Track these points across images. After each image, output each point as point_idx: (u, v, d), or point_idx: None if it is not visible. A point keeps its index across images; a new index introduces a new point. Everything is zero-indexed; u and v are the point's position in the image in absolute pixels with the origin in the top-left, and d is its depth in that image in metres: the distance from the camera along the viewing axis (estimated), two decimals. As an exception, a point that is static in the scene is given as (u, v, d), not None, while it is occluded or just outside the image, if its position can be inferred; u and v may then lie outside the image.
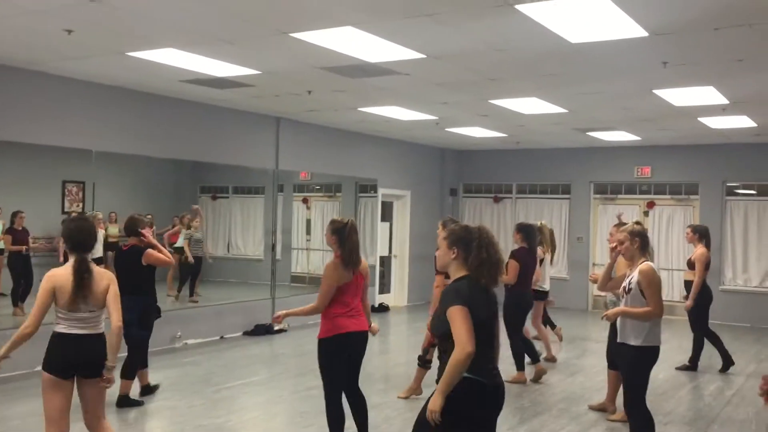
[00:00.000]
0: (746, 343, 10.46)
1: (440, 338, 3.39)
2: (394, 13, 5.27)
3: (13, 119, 7.53)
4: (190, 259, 10.19)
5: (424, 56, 6.56)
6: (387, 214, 13.68)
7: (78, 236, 4.10)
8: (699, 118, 9.86)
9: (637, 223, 5.02)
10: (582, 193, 13.99)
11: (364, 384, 5.14)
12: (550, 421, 6.26)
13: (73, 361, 4.02)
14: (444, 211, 14.89)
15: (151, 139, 9.00)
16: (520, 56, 6.58)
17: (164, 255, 6.36)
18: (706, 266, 8.28)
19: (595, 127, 11.15)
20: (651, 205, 13.44)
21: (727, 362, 8.45)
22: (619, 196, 13.79)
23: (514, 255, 7.52)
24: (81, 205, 8.84)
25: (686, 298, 8.46)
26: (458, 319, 3.21)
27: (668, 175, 13.25)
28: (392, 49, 6.31)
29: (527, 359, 7.60)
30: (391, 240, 13.72)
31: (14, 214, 8.24)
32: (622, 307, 4.89)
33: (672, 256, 13.22)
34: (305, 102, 9.31)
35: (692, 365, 8.49)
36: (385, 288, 13.64)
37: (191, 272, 10.40)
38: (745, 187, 12.85)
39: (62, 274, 4.01)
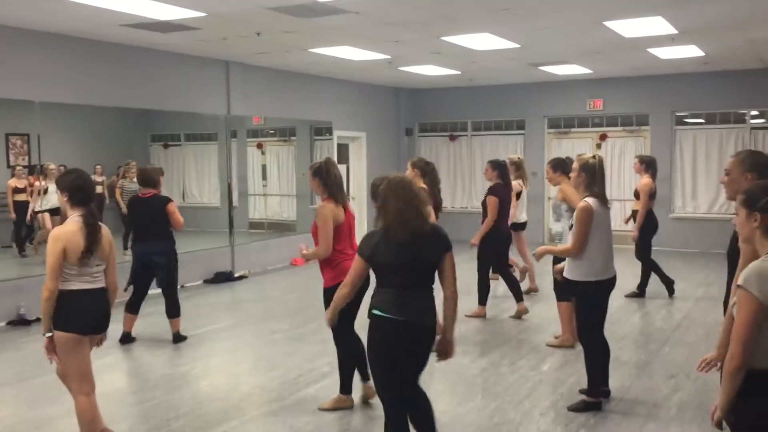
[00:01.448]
0: (695, 268, 10.84)
1: None
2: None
3: (-52, 71, 7.21)
4: (123, 209, 9.94)
5: (373, -7, 6.43)
6: (343, 157, 13.60)
7: (86, 188, 4.01)
8: (648, 49, 9.94)
9: (594, 157, 4.93)
10: (536, 128, 14.09)
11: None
12: (510, 352, 6.44)
13: (95, 316, 3.98)
14: (401, 151, 14.87)
15: (96, 88, 8.70)
16: (470, -9, 6.49)
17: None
18: (651, 196, 8.49)
19: (548, 62, 11.17)
20: (603, 137, 13.63)
21: (670, 286, 8.71)
22: (573, 129, 13.94)
23: (492, 191, 7.59)
24: (26, 158, 8.59)
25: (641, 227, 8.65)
26: (352, 267, 3.74)
27: (619, 107, 13.41)
28: (341, -13, 6.16)
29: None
30: (348, 182, 13.68)
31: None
32: (546, 246, 4.98)
33: (624, 188, 13.48)
34: (254, 44, 9.08)
35: (640, 292, 8.77)
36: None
37: (126, 224, 10.08)
38: (693, 117, 13.10)
39: (70, 231, 3.87)
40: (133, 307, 6.82)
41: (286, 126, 12.75)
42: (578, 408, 4.93)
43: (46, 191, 8.61)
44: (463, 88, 14.30)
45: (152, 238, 6.66)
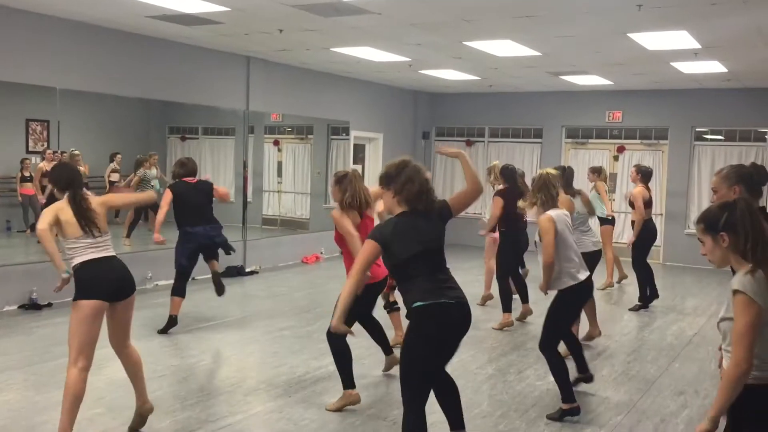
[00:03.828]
0: (709, 285, 10.74)
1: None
2: (367, -52, 5.13)
3: (-28, 54, 7.28)
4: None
5: (397, -5, 6.43)
6: (359, 157, 13.60)
7: (66, 176, 4.23)
8: (671, 63, 9.88)
9: (558, 168, 5.13)
10: (554, 137, 14.03)
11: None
12: (517, 360, 6.41)
13: (117, 281, 4.16)
14: (416, 154, 14.85)
15: (118, 78, 8.76)
16: (495, -4, 6.48)
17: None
18: (646, 204, 8.52)
19: (569, 71, 11.12)
20: (621, 149, 13.55)
21: (650, 298, 8.74)
22: (590, 140, 13.87)
23: (497, 193, 7.66)
24: (45, 144, 8.66)
25: (638, 237, 8.67)
26: (363, 250, 3.60)
27: (639, 120, 13.33)
28: (365, -13, 6.17)
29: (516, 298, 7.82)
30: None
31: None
32: (542, 280, 5.07)
33: (640, 201, 13.42)
34: (276, 41, 9.11)
35: (643, 303, 8.71)
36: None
37: (136, 211, 10.13)
38: (713, 133, 13.00)
39: (59, 206, 4.13)
40: (180, 290, 6.97)
41: (304, 124, 12.77)
42: (555, 417, 4.94)
43: None
44: (482, 93, 14.27)
45: (204, 223, 6.95)
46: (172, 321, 6.92)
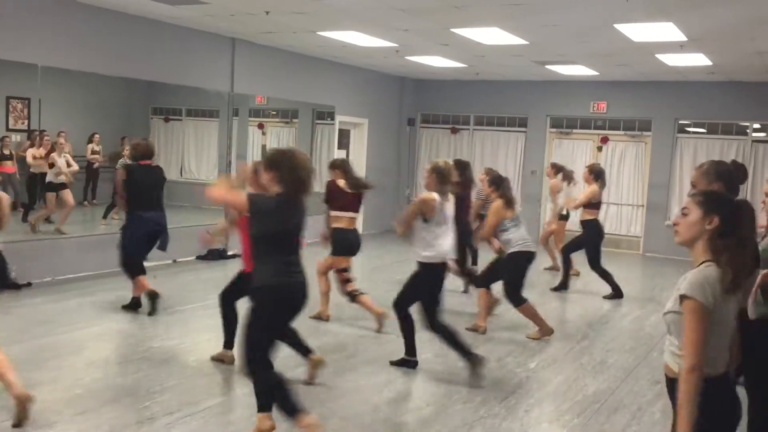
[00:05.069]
0: (687, 276, 10.85)
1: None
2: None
3: (-48, 29, 7.15)
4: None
5: (386, -21, 6.39)
6: (344, 142, 13.56)
7: None
8: (656, 55, 9.92)
9: (456, 161, 5.76)
10: (538, 126, 14.07)
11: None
12: (496, 348, 6.45)
13: None
14: (401, 140, 14.84)
15: (101, 56, 8.64)
16: (483, -17, 6.46)
17: None
18: (595, 205, 8.80)
19: (555, 61, 11.14)
20: (605, 140, 13.62)
21: (564, 284, 9.09)
22: (575, 130, 13.93)
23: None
24: (26, 122, 8.54)
25: (584, 235, 9.00)
26: (235, 195, 3.99)
27: (623, 111, 13.40)
28: (354, -30, 6.12)
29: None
30: (347, 168, 13.65)
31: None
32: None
33: (622, 192, 13.52)
34: (262, 23, 9.03)
35: (616, 293, 8.85)
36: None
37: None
38: (696, 125, 13.10)
39: None
40: (141, 270, 6.88)
41: (289, 108, 12.70)
42: (398, 363, 5.63)
43: (52, 165, 8.60)
44: (468, 81, 14.26)
45: (155, 209, 6.82)
46: (138, 302, 6.94)
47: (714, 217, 2.66)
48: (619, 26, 8.04)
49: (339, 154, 13.26)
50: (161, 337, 6.22)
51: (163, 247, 7.00)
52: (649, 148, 13.25)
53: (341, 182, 6.77)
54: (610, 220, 13.60)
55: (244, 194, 3.97)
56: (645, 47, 9.25)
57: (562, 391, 5.33)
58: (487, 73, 13.13)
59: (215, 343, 6.25)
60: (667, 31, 8.10)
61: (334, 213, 6.79)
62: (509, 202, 6.66)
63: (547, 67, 11.69)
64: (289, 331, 4.96)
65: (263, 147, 12.76)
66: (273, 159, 3.97)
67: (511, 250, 6.60)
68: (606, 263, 9.01)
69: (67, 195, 8.86)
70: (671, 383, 2.73)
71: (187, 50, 9.84)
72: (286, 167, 3.88)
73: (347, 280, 6.85)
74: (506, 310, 7.98)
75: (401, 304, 5.55)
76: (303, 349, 5.16)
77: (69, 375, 5.13)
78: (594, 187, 8.75)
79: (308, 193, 3.96)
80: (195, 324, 6.71)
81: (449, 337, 5.47)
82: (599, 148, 13.65)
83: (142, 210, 6.76)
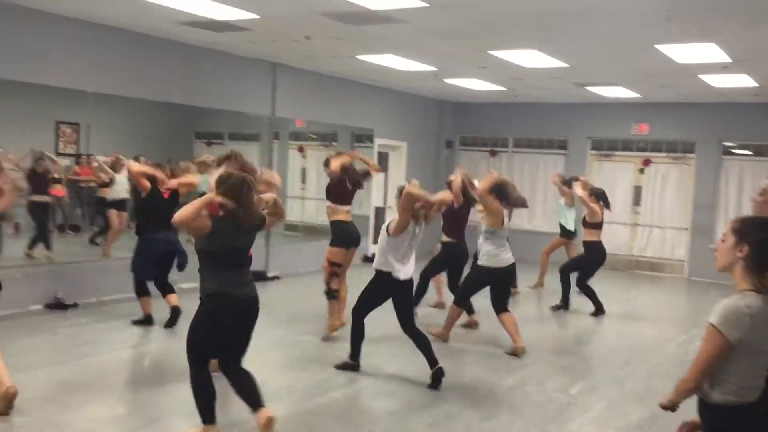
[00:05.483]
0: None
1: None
2: (396, -43, 5.15)
3: (7, 57, 7.41)
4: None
5: (426, 5, 6.45)
6: (383, 165, 13.61)
7: None
8: (700, 76, 9.78)
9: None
10: (579, 148, 13.95)
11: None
12: (538, 372, 6.36)
13: None
14: (440, 163, 14.85)
15: (146, 82, 8.88)
16: (522, 7, 6.48)
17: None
18: (597, 225, 8.79)
19: (595, 82, 11.07)
20: (647, 162, 13.44)
21: (565, 304, 9.06)
22: (616, 152, 13.77)
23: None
24: (76, 147, 8.78)
25: (584, 255, 9.02)
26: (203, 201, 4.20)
27: (665, 132, 13.21)
28: (393, -4, 6.20)
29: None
30: (386, 191, 13.71)
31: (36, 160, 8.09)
32: None
33: (665, 215, 13.29)
34: (303, 48, 9.17)
35: (599, 310, 8.90)
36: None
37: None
38: (741, 147, 12.84)
39: None
40: (146, 292, 7.19)
41: (328, 131, 12.82)
42: (341, 366, 5.94)
43: (111, 182, 8.81)
44: (507, 103, 14.24)
45: (170, 227, 6.82)
46: (149, 319, 7.19)
47: (744, 245, 2.68)
48: (660, 47, 7.96)
49: (377, 177, 13.32)
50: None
51: (180, 268, 7.16)
52: (692, 170, 13.02)
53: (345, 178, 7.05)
54: (653, 243, 13.40)
55: (208, 219, 4.15)
56: (687, 68, 9.14)
57: (604, 417, 5.22)
58: (526, 95, 13.10)
59: (253, 365, 6.28)
60: (710, 51, 8.00)
61: (333, 205, 7.03)
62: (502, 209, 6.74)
63: (587, 88, 11.62)
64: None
65: (303, 170, 12.89)
66: (220, 180, 4.29)
67: (481, 262, 6.78)
68: (649, 287, 8.86)
69: (122, 215, 9.06)
70: (701, 405, 2.78)
71: (229, 75, 10.05)
72: (231, 188, 4.17)
73: (335, 274, 7.03)
74: (547, 335, 7.88)
75: (359, 311, 5.89)
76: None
77: (112, 394, 5.21)
78: (595, 207, 8.78)
79: (254, 211, 4.29)
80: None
81: (420, 342, 5.76)
82: (641, 171, 13.48)
83: (153, 232, 6.94)
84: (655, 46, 7.92)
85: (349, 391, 5.52)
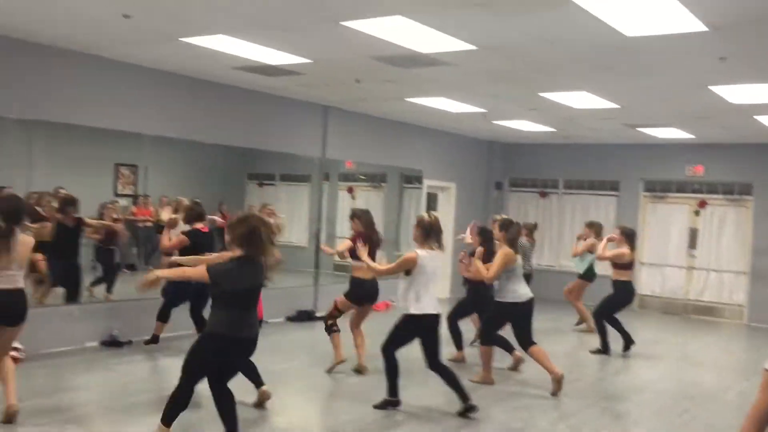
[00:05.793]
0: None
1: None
2: (446, 2, 5.24)
3: (68, 101, 7.73)
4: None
5: (474, 47, 6.52)
6: (431, 206, 13.64)
7: (10, 210, 4.96)
8: (755, 116, 9.59)
9: (429, 214, 5.99)
10: (631, 190, 13.74)
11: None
12: (591, 420, 6.19)
13: (7, 311, 4.92)
14: (489, 204, 14.80)
15: (201, 125, 9.14)
16: (573, 49, 6.50)
17: None
18: (627, 265, 8.76)
19: (647, 124, 10.94)
20: (702, 204, 13.14)
21: (605, 349, 8.96)
22: (670, 194, 13.51)
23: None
24: (133, 188, 9.04)
25: (613, 295, 8.94)
26: (195, 271, 4.58)
27: (721, 174, 12.92)
28: (443, 40, 6.28)
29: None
30: (435, 232, 13.66)
31: (103, 206, 8.40)
32: None
33: (723, 258, 12.92)
34: (354, 91, 9.33)
35: (604, 350, 8.90)
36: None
37: None
38: (802, 189, 12.46)
39: None
40: (165, 317, 7.69)
41: (377, 172, 12.94)
42: (379, 405, 5.93)
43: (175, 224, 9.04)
44: (557, 144, 14.17)
45: None
46: (155, 339, 7.74)
47: None
48: (714, 88, 7.85)
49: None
50: (248, 397, 6.27)
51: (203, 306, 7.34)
52: (750, 212, 12.67)
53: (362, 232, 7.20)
54: (710, 287, 13.01)
55: (203, 267, 4.39)
56: (743, 109, 8.97)
57: (661, 468, 5.03)
58: (577, 137, 13.02)
59: (301, 405, 6.28)
60: (765, 92, 7.85)
61: (355, 263, 7.19)
62: (515, 248, 6.85)
63: (640, 129, 11.49)
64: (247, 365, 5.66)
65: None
66: (232, 224, 4.55)
67: (499, 298, 6.86)
68: (706, 333, 8.59)
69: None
70: None
71: (282, 118, 10.27)
72: (243, 232, 4.41)
73: (335, 316, 7.28)
74: (598, 379, 7.68)
75: (387, 348, 5.97)
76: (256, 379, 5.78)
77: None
78: (624, 249, 8.74)
79: (265, 254, 4.47)
80: (281, 386, 6.76)
81: (448, 377, 5.85)
82: (697, 213, 13.17)
83: None
84: (709, 87, 7.81)
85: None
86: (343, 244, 7.52)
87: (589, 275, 10.39)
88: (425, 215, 5.99)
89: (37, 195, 7.89)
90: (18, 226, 4.96)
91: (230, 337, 4.44)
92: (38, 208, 7.68)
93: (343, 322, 7.34)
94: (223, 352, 4.51)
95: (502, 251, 6.76)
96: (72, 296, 7.99)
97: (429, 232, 5.82)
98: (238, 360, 4.71)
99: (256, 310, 4.62)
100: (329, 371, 7.18)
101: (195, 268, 4.59)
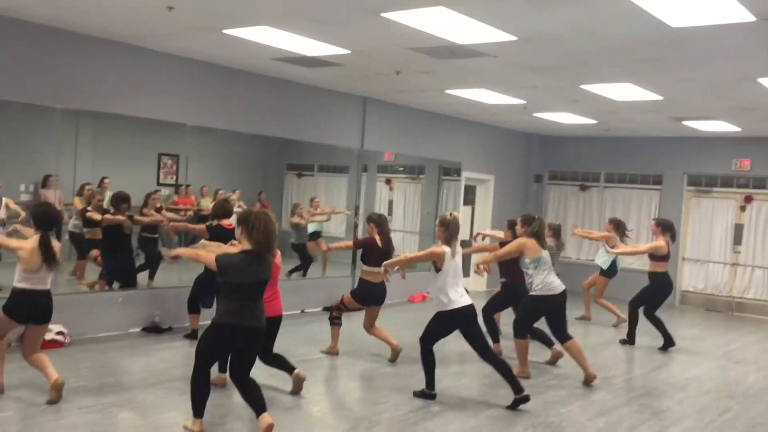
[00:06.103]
0: None
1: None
2: (487, -7, 5.20)
3: (113, 92, 7.88)
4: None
5: (515, 38, 6.45)
6: (469, 198, 13.58)
7: (48, 218, 5.26)
8: (806, 110, 9.33)
9: (450, 214, 6.13)
10: (674, 184, 13.47)
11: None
12: (629, 415, 6.12)
13: (32, 310, 5.20)
14: (528, 197, 14.68)
15: (241, 115, 9.24)
16: (616, 40, 6.39)
17: None
18: (663, 257, 8.74)
19: (692, 116, 10.71)
20: (748, 199, 12.83)
21: (631, 339, 9.06)
22: (715, 189, 13.22)
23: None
24: (175, 177, 9.19)
25: (649, 287, 8.93)
26: (206, 258, 4.74)
27: (768, 168, 12.60)
28: (483, 31, 6.23)
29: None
30: (473, 224, 13.63)
31: (148, 195, 8.48)
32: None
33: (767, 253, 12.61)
34: (393, 82, 9.33)
35: (668, 343, 8.87)
36: (465, 272, 13.54)
37: None
38: None
39: (31, 247, 5.12)
40: (196, 309, 7.67)
41: (415, 164, 12.92)
42: (418, 393, 6.08)
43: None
44: (598, 137, 13.96)
45: None
46: (194, 334, 7.60)
47: None
48: (762, 80, 7.65)
49: (464, 210, 13.29)
50: (285, 387, 6.32)
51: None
52: (799, 207, 12.33)
53: (376, 237, 7.35)
54: (755, 284, 12.71)
55: (213, 256, 4.62)
56: (792, 101, 8.73)
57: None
58: (619, 129, 12.81)
59: (337, 394, 6.32)
60: (817, 84, 7.63)
61: (366, 268, 7.38)
62: (541, 242, 6.76)
63: (684, 123, 11.25)
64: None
65: (390, 202, 13.01)
66: (243, 216, 4.75)
67: (534, 292, 6.78)
68: (751, 331, 8.41)
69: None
70: None
71: (320, 109, 10.32)
72: (256, 227, 4.62)
73: (341, 309, 7.54)
74: (638, 376, 7.58)
75: (425, 340, 6.11)
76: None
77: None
78: (660, 241, 8.72)
79: (271, 252, 4.74)
80: (318, 374, 6.83)
81: (501, 368, 5.94)
82: (742, 208, 12.87)
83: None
84: (757, 80, 7.62)
85: (432, 423, 5.46)
86: (344, 243, 8.02)
87: (611, 271, 10.33)
88: (447, 215, 6.17)
89: (89, 191, 8.10)
90: (50, 232, 5.21)
91: (235, 325, 4.64)
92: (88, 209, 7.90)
93: (349, 321, 7.37)
94: (230, 340, 4.72)
95: (520, 239, 6.86)
96: (127, 286, 8.21)
97: (452, 231, 6.02)
98: (247, 348, 4.82)
99: (262, 301, 4.79)
100: (323, 352, 7.56)
101: (207, 254, 4.76)
